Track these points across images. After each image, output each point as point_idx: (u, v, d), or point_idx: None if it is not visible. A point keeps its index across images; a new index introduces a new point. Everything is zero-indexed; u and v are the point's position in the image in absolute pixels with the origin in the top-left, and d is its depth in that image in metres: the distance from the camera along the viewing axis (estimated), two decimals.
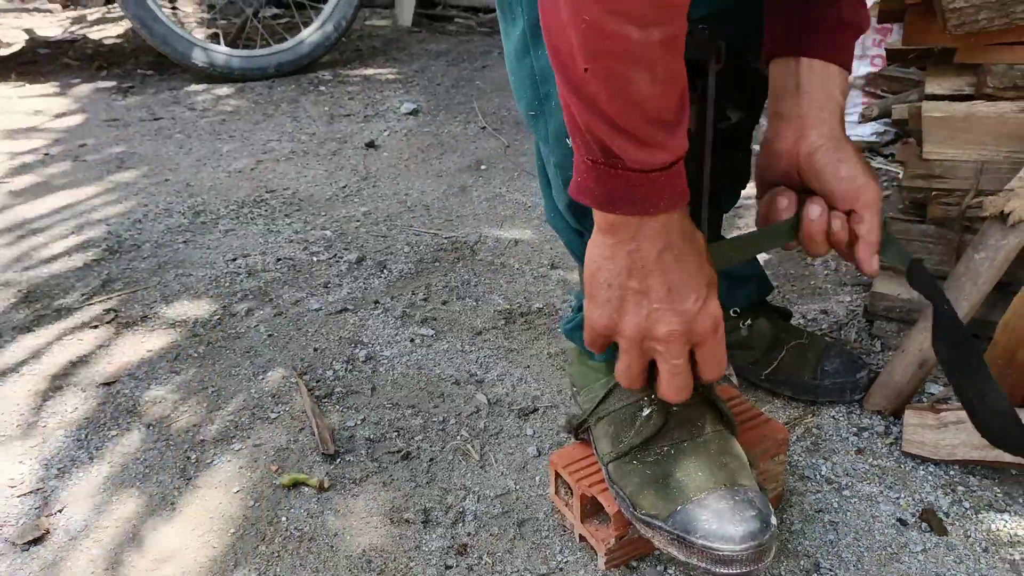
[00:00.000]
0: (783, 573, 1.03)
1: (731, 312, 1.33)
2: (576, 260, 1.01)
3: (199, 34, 3.64)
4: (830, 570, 1.03)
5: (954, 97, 1.30)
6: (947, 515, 1.11)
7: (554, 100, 0.89)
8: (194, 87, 3.16)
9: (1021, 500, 1.13)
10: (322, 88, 3.13)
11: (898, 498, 1.14)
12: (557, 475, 1.07)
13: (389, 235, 1.96)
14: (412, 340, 1.53)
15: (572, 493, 1.04)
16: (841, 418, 1.29)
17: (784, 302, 1.63)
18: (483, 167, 2.37)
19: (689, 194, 0.77)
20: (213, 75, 3.16)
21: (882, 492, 1.15)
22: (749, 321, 1.32)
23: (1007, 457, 1.15)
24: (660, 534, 0.90)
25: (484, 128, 2.68)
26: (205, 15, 4.21)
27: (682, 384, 0.85)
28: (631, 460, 0.95)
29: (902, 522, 1.10)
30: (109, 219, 2.06)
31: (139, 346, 1.53)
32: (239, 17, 3.82)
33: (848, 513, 1.12)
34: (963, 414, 1.17)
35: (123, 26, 4.11)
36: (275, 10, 4.02)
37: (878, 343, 1.48)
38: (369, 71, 3.35)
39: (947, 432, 1.18)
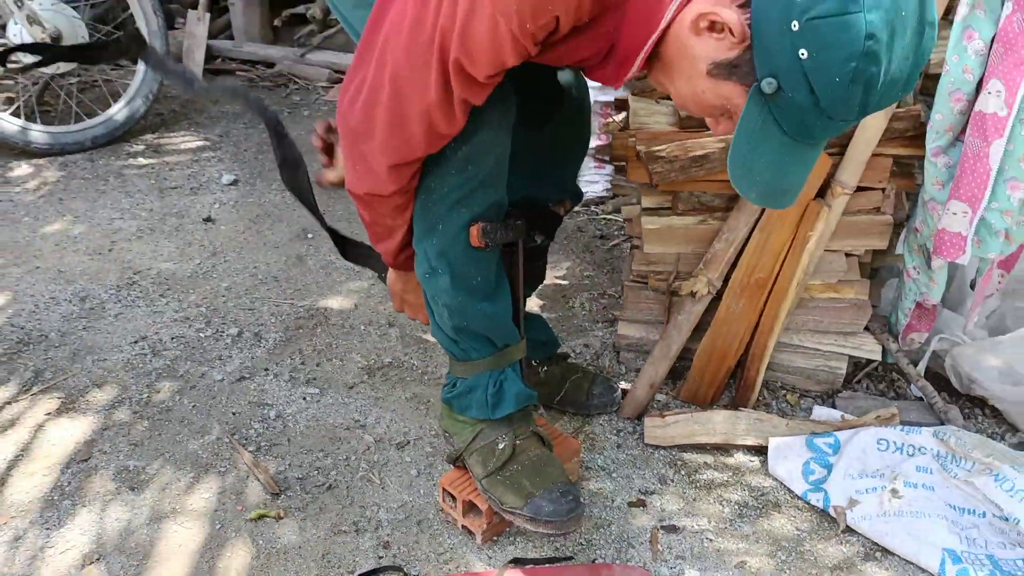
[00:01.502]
0: (582, 531, 1.71)
1: (533, 362, 2.00)
2: (452, 358, 1.64)
3: None
4: (609, 523, 1.73)
5: (658, 209, 2.04)
6: (673, 480, 1.85)
7: (440, 270, 1.50)
8: (14, 163, 3.40)
9: (712, 465, 1.89)
10: (141, 160, 3.50)
11: (644, 473, 1.87)
12: (444, 490, 1.70)
13: (254, 308, 2.48)
14: (304, 398, 2.09)
15: (455, 500, 1.68)
16: (606, 425, 2.01)
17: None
18: (309, 235, 2.91)
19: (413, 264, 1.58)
20: (32, 152, 3.43)
21: (635, 472, 1.88)
22: (545, 368, 2.00)
23: (703, 440, 1.91)
24: (519, 518, 1.57)
25: None
26: None
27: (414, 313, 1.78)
28: (496, 476, 1.61)
29: (648, 490, 1.82)
30: (4, 312, 2.42)
31: (95, 427, 1.98)
32: (30, 80, 4.02)
33: (616, 488, 1.82)
34: (680, 416, 1.92)
35: None
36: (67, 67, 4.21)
37: (623, 367, 2.22)
38: (179, 139, 3.74)
39: (670, 428, 1.92)
